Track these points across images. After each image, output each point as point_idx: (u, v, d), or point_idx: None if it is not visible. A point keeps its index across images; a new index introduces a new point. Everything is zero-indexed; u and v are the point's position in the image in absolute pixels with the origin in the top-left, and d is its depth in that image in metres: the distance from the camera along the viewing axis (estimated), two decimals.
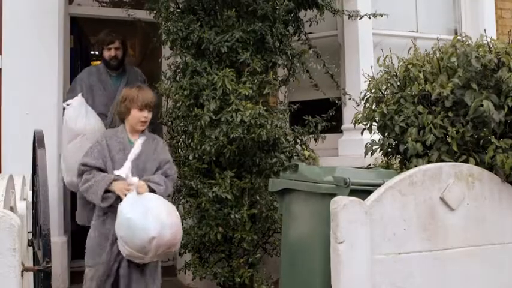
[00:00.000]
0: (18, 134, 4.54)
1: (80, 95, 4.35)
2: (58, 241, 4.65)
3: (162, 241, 3.09)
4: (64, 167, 4.35)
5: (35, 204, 3.25)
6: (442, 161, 2.86)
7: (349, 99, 4.78)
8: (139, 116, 3.45)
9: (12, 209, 2.95)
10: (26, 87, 4.73)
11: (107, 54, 4.67)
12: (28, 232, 3.29)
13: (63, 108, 4.36)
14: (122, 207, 3.17)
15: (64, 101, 4.45)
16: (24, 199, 3.55)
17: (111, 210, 3.30)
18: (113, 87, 4.67)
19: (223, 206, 3.92)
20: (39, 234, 2.78)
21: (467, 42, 3.08)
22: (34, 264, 2.96)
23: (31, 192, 3.55)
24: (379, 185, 2.51)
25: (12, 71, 4.75)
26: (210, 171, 4.04)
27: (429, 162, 2.86)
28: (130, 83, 4.36)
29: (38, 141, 3.09)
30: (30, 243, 3.20)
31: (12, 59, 4.77)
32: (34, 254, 3.06)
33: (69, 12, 5.45)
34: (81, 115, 4.26)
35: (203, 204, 3.98)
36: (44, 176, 2.83)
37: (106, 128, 4.33)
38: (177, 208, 4.22)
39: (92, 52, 8.40)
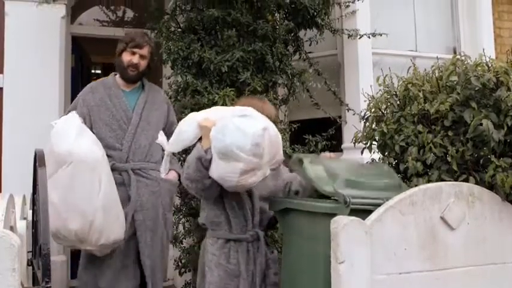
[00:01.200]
0: (19, 152, 4.54)
1: (73, 112, 3.47)
2: (57, 260, 4.64)
3: (272, 134, 2.64)
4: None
5: (34, 224, 3.24)
6: (442, 180, 2.85)
7: (354, 114, 4.79)
8: None
9: (12, 228, 2.95)
10: (26, 106, 4.75)
11: (127, 58, 3.56)
12: (28, 251, 3.28)
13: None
14: (220, 122, 2.66)
15: None
16: (24, 218, 3.55)
17: (232, 237, 2.83)
18: (126, 106, 3.57)
19: None
20: (38, 254, 2.77)
21: (466, 61, 3.10)
22: (33, 284, 2.95)
23: (31, 211, 3.55)
24: (379, 205, 2.51)
25: (13, 90, 4.78)
26: None
27: (429, 181, 2.86)
28: (151, 106, 3.62)
29: (38, 160, 3.09)
30: (29, 263, 3.20)
31: (14, 78, 4.80)
32: (33, 274, 3.05)
33: (70, 31, 5.50)
34: (69, 135, 3.26)
35: None
36: (44, 195, 2.83)
37: (114, 164, 3.43)
38: (177, 227, 4.23)
39: (93, 71, 8.47)
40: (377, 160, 3.28)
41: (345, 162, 3.12)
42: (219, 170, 2.63)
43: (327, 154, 3.24)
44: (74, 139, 3.23)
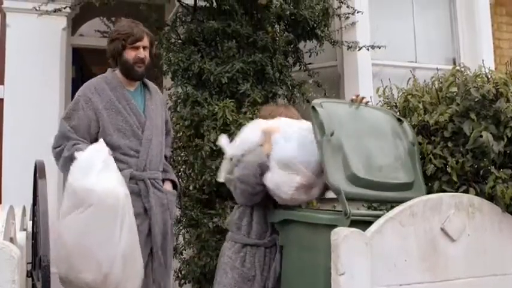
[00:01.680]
0: (19, 163, 4.55)
1: (101, 142, 2.99)
2: (57, 271, 4.62)
3: None
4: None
5: (34, 235, 3.24)
6: (442, 191, 2.85)
7: None
8: None
9: (12, 239, 2.95)
10: (27, 117, 4.77)
11: (131, 54, 3.17)
12: (27, 263, 3.28)
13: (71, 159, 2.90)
14: (285, 130, 2.69)
15: (61, 129, 3.07)
16: (24, 229, 3.55)
17: (250, 242, 2.86)
18: (137, 109, 3.21)
19: (224, 236, 3.91)
20: (38, 266, 2.77)
21: (465, 73, 3.11)
22: None
23: (31, 222, 3.55)
24: (379, 216, 2.51)
25: (14, 100, 4.80)
26: (211, 201, 4.03)
27: (429, 192, 2.86)
28: (156, 107, 3.30)
29: (39, 172, 3.10)
30: (29, 274, 3.19)
31: (14, 89, 4.82)
32: (33, 285, 3.05)
33: (71, 42, 5.52)
34: (92, 171, 2.80)
35: (203, 235, 3.96)
36: (44, 207, 2.83)
37: (132, 172, 3.08)
38: (177, 238, 4.23)
39: None
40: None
41: (368, 124, 2.85)
42: (275, 179, 2.63)
43: (359, 98, 2.95)
44: (97, 176, 2.79)
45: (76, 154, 2.86)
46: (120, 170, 2.97)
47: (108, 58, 3.27)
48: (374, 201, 2.99)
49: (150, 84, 3.37)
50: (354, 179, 2.58)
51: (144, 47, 3.20)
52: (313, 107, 2.68)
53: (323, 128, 2.60)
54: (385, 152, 2.79)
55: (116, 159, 2.99)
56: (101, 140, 2.99)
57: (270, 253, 2.88)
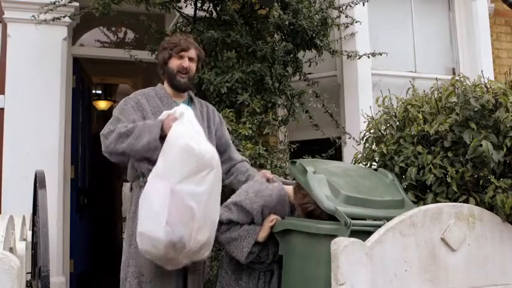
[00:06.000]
0: (19, 173, 4.55)
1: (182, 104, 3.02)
2: (57, 282, 4.62)
3: None
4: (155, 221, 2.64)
5: (34, 245, 3.24)
6: (442, 201, 2.86)
7: (349, 138, 4.81)
8: None
9: (11, 249, 2.95)
10: (27, 127, 4.77)
11: (175, 63, 3.19)
12: (27, 273, 3.28)
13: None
14: None
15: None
16: (24, 239, 3.55)
17: (250, 265, 2.89)
18: None
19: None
20: (38, 276, 2.77)
21: (465, 83, 3.12)
22: None
23: (31, 232, 3.55)
24: (380, 226, 2.51)
25: (15, 110, 4.80)
26: None
27: (429, 203, 2.86)
28: (200, 120, 3.13)
29: (39, 182, 3.11)
30: (28, 284, 3.19)
31: (15, 99, 4.82)
32: None
33: (71, 52, 5.53)
34: (200, 134, 2.81)
35: None
36: (44, 217, 2.84)
37: None
38: None
39: (94, 91, 8.48)
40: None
41: (348, 169, 3.07)
42: None
43: None
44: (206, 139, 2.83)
45: (179, 113, 2.81)
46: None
47: (158, 69, 3.29)
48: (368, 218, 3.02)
49: (197, 99, 3.34)
50: (346, 199, 2.61)
51: (190, 58, 3.21)
52: (292, 162, 2.85)
53: (305, 170, 2.72)
54: (368, 182, 2.88)
55: (150, 162, 2.90)
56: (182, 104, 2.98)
57: (265, 276, 2.90)
